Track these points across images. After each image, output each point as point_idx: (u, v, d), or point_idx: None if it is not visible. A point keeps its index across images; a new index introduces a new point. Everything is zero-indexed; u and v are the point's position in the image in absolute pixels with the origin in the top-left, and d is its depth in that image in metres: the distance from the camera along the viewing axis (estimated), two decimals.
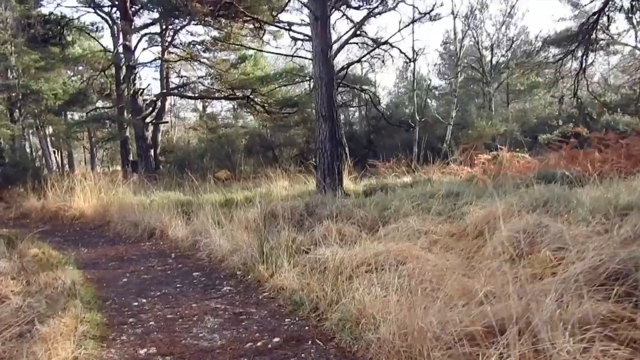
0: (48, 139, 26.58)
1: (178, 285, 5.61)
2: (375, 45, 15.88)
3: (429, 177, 13.45)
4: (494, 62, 22.94)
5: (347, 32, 15.78)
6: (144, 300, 5.05)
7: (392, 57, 17.89)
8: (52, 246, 8.04)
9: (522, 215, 5.94)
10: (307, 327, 4.14)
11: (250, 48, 18.30)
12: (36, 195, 12.08)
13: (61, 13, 19.82)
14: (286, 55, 16.93)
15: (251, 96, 20.05)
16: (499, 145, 16.82)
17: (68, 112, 25.95)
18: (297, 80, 19.70)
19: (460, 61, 19.62)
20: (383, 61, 16.88)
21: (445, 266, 4.71)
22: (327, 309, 4.33)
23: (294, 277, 5.13)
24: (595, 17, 15.11)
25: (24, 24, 18.04)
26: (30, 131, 25.61)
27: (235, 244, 6.55)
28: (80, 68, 25.52)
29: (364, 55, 16.47)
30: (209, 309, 4.70)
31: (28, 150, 17.13)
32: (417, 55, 17.60)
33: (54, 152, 30.15)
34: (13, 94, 20.06)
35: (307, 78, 18.71)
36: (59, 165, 27.62)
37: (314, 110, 22.50)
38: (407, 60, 16.96)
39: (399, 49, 15.80)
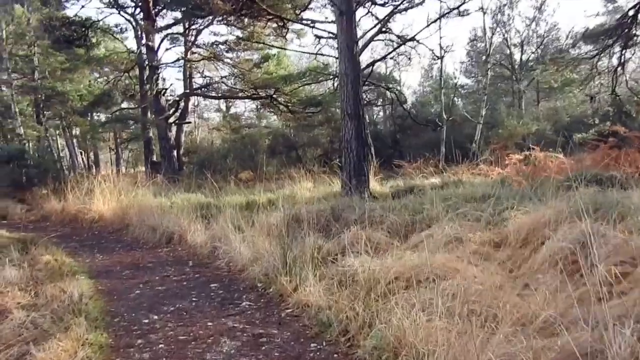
0: (74, 140, 26.62)
1: (194, 298, 5.09)
2: (401, 42, 15.21)
3: (459, 179, 12.75)
4: (523, 59, 22.00)
5: (371, 28, 15.18)
6: (156, 317, 4.54)
7: (418, 54, 17.23)
8: (66, 252, 7.63)
9: (573, 223, 5.26)
10: (336, 355, 3.57)
11: (273, 46, 17.80)
12: (57, 198, 11.77)
13: (84, 16, 19.61)
14: (310, 54, 16.37)
15: (274, 96, 19.56)
16: (531, 145, 15.98)
17: (94, 114, 25.85)
18: (321, 79, 19.12)
19: (489, 58, 18.76)
20: (409, 58, 16.21)
21: (493, 283, 4.08)
22: (358, 332, 3.75)
23: (320, 292, 4.56)
24: (635, 11, 14.19)
25: (46, 25, 17.84)
26: (57, 132, 25.66)
27: (256, 252, 6.02)
28: (106, 69, 25.47)
29: (390, 52, 15.83)
30: (226, 329, 4.16)
31: (55, 151, 16.87)
32: (444, 52, 16.87)
33: (81, 153, 30.24)
34: (39, 96, 20.01)
35: (331, 76, 18.13)
36: (85, 166, 27.63)
37: (338, 110, 21.92)
38: (435, 57, 16.25)
39: (426, 45, 15.12)
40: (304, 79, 19.53)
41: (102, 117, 27.33)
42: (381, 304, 3.90)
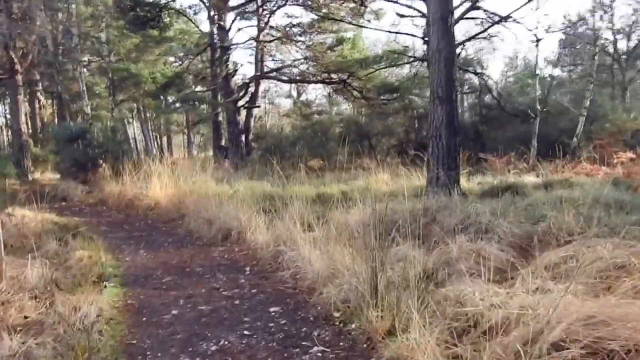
0: (149, 123, 26.31)
1: (246, 330, 3.57)
2: (495, 21, 13.03)
3: (564, 178, 10.58)
4: (629, 46, 18.99)
5: (461, 3, 13.10)
6: None
7: (514, 34, 14.85)
8: (109, 244, 6.41)
9: None
10: None
11: (352, 23, 16.10)
12: (116, 181, 10.74)
13: None
14: (390, 32, 14.49)
15: (348, 80, 17.88)
16: None
17: (167, 97, 25.32)
18: (400, 62, 17.17)
19: (598, 41, 16.06)
20: (502, 40, 13.98)
21: None
22: None
23: (433, 346, 2.89)
24: None
25: (121, 6, 17.13)
26: (131, 115, 25.38)
27: (331, 266, 4.41)
28: (181, 54, 24.82)
29: (483, 31, 13.66)
30: None
31: (121, 133, 16.13)
32: (546, 31, 14.48)
33: (156, 136, 30.07)
34: (114, 77, 19.53)
35: (411, 59, 16.18)
36: (158, 149, 27.31)
37: (415, 97, 19.98)
38: (535, 39, 13.98)
39: (525, 25, 12.88)
40: (381, 63, 17.70)
41: (178, 103, 26.82)
42: None
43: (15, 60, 15.11)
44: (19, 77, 15.41)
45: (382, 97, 18.43)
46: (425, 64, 15.93)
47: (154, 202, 8.99)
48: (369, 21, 16.92)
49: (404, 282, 3.60)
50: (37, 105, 23.68)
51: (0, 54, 14.77)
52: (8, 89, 16.16)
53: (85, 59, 20.75)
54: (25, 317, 3.99)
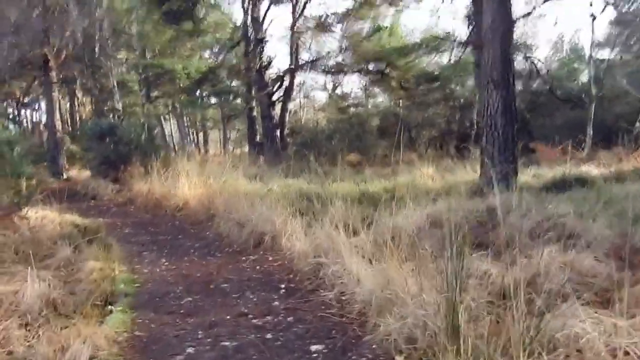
0: (185, 119, 25.84)
1: None
2: None
3: (637, 167, 9.24)
4: None
5: None
6: None
7: (567, 13, 13.31)
8: (128, 251, 5.61)
9: None
10: None
11: (391, 5, 14.95)
12: (145, 179, 10.00)
13: None
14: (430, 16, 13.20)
15: (386, 71, 16.74)
16: None
17: (202, 93, 24.73)
18: (441, 48, 15.91)
19: None
20: (555, 23, 12.57)
21: None
22: None
23: None
24: None
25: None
26: (167, 111, 24.94)
27: (387, 287, 3.40)
28: (215, 50, 24.17)
29: (534, 9, 12.31)
30: None
31: (166, 131, 15.50)
32: (606, 3, 12.93)
33: (193, 133, 29.64)
34: (148, 74, 19.01)
35: (454, 44, 14.89)
36: (194, 145, 26.85)
37: (456, 86, 18.65)
38: (592, 16, 12.53)
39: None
40: (419, 51, 16.49)
41: (213, 98, 26.20)
42: None
43: (49, 56, 14.65)
44: (53, 74, 14.96)
45: (421, 87, 17.25)
46: (467, 50, 14.69)
47: (183, 202, 8.18)
48: (408, 7, 15.75)
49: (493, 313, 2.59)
50: (75, 102, 23.50)
51: (35, 48, 14.31)
52: (43, 86, 15.76)
53: (122, 55, 20.32)
54: (9, 353, 3.17)
